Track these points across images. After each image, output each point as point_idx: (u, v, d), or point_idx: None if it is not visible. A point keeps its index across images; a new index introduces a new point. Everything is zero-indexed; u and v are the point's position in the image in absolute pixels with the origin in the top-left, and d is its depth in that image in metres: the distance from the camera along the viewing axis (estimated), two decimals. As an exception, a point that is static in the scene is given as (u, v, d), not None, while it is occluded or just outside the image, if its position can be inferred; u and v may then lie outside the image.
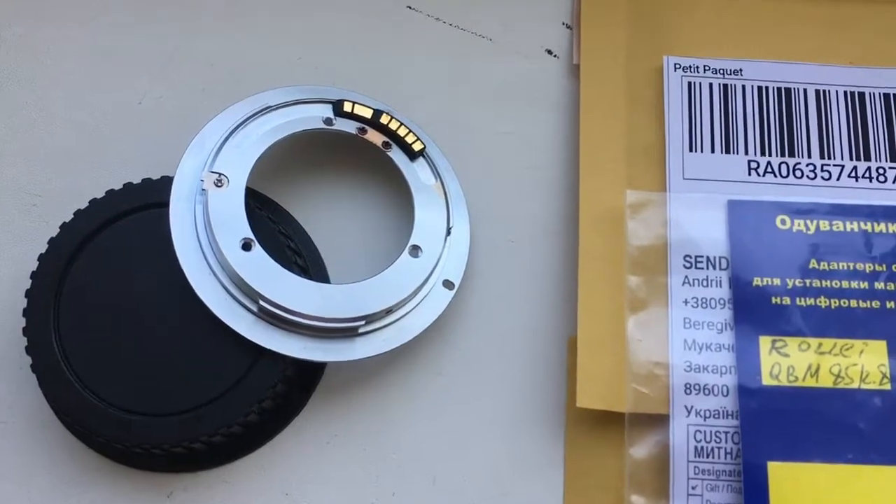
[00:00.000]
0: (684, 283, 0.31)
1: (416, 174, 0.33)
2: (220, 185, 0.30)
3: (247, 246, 0.30)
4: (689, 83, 0.35)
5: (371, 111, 0.33)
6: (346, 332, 0.30)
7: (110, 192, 0.31)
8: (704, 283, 0.31)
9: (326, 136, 0.33)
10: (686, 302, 0.31)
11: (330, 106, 0.33)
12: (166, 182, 0.31)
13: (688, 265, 0.32)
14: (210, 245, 0.30)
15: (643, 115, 0.34)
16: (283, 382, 0.30)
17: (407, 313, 0.31)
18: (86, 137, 0.36)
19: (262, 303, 0.29)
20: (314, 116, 0.33)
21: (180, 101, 0.36)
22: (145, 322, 0.30)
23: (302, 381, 0.32)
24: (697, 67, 0.35)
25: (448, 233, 0.32)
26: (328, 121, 0.33)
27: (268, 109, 0.32)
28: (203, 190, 0.30)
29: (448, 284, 0.32)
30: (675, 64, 0.35)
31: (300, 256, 0.32)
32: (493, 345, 0.33)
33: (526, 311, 0.33)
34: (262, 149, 0.32)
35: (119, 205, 0.31)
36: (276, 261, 0.30)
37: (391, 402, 0.32)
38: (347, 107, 0.33)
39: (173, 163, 0.31)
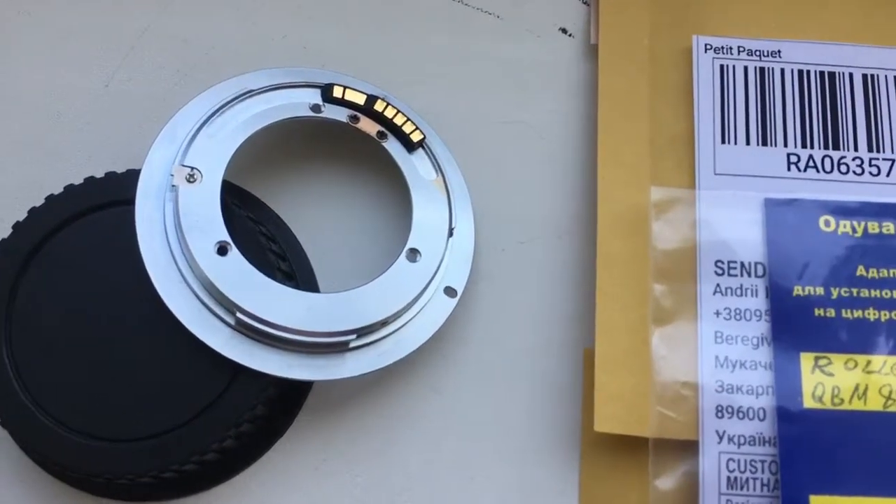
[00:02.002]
0: (715, 292, 0.29)
1: (415, 168, 0.31)
2: (192, 180, 0.28)
3: (222, 250, 0.27)
4: (722, 66, 0.32)
5: (364, 97, 0.31)
6: (335, 346, 0.28)
7: (69, 188, 0.29)
8: (738, 292, 0.29)
9: (314, 124, 0.31)
10: (717, 313, 0.29)
11: (318, 91, 0.31)
12: (132, 176, 0.29)
13: (720, 272, 0.29)
14: (181, 249, 0.27)
15: (669, 103, 0.32)
16: (263, 404, 0.28)
17: (404, 325, 0.29)
18: (44, 124, 0.33)
19: (239, 315, 0.27)
20: (300, 102, 0.31)
21: (151, 85, 0.34)
22: (108, 336, 0.27)
23: (285, 401, 0.30)
24: (730, 48, 0.32)
25: (450, 234, 0.30)
26: (316, 107, 0.31)
27: (248, 94, 0.30)
28: (173, 186, 0.28)
29: (450, 292, 0.30)
30: (706, 44, 0.33)
31: (284, 260, 0.30)
32: (500, 359, 0.31)
33: (537, 321, 0.31)
34: (242, 139, 0.29)
35: (79, 202, 0.29)
36: (255, 266, 0.28)
37: (386, 423, 0.30)
38: (338, 92, 0.31)
39: (141, 154, 0.29)
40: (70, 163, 0.32)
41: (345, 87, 0.31)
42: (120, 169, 0.29)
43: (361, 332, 0.28)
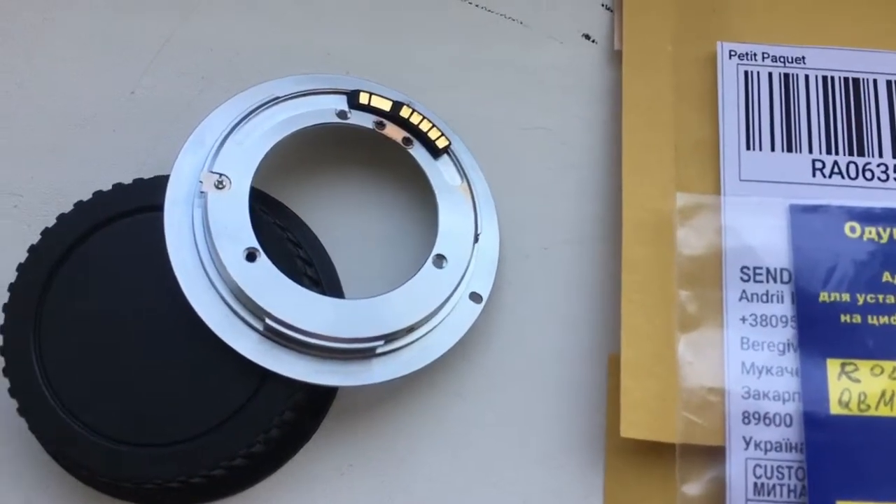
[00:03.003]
0: (741, 298, 0.29)
1: (440, 174, 0.31)
2: (220, 186, 0.28)
3: (251, 256, 0.28)
4: (746, 72, 0.32)
5: (390, 103, 0.31)
6: (362, 352, 0.28)
7: (98, 194, 0.29)
8: (764, 298, 0.29)
9: (340, 131, 0.31)
10: (744, 319, 0.29)
11: (344, 97, 0.31)
12: (160, 183, 0.29)
13: (745, 278, 0.29)
14: (210, 255, 0.28)
15: (694, 109, 0.32)
16: (291, 409, 0.28)
17: (430, 331, 0.29)
18: (71, 131, 0.33)
19: (268, 320, 0.27)
20: (326, 109, 0.31)
21: (177, 91, 0.34)
22: (137, 341, 0.27)
23: (312, 406, 0.30)
24: (755, 55, 0.32)
25: (475, 240, 0.30)
26: (342, 114, 0.31)
27: (274, 101, 0.30)
28: (202, 192, 0.28)
29: (475, 297, 0.30)
30: (731, 51, 0.33)
31: (311, 266, 0.30)
32: (525, 365, 0.31)
33: (561, 327, 0.31)
34: (269, 146, 0.29)
35: (107, 208, 0.29)
36: (283, 273, 0.28)
37: (411, 428, 0.30)
38: (364, 98, 0.31)
39: (169, 161, 0.29)
40: (97, 169, 0.32)
41: (371, 94, 0.31)
42: (147, 175, 0.30)
43: (388, 338, 0.28)
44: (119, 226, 0.29)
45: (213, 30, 0.35)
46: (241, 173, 0.29)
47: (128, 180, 0.29)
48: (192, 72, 0.34)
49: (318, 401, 0.30)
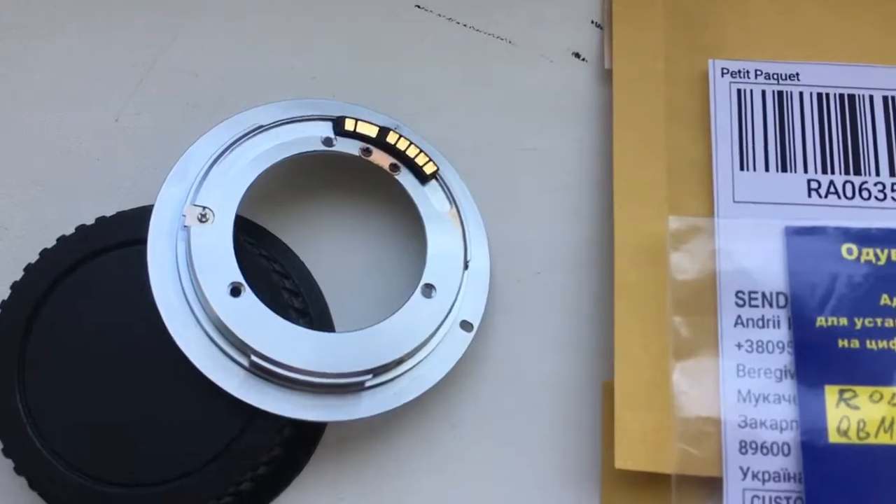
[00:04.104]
0: (737, 323, 0.29)
1: (429, 200, 0.30)
2: (204, 219, 0.28)
3: (236, 291, 0.27)
4: (739, 90, 0.32)
5: (376, 129, 0.31)
6: (351, 387, 0.27)
7: (81, 228, 0.29)
8: (760, 323, 0.28)
9: (326, 158, 0.31)
10: (739, 346, 0.28)
11: (329, 124, 0.31)
12: (144, 215, 0.28)
13: (740, 303, 0.29)
14: (194, 290, 0.27)
15: (686, 128, 0.31)
16: (280, 445, 0.27)
17: (420, 361, 0.29)
18: (55, 161, 0.33)
19: (253, 357, 0.26)
20: (312, 136, 0.30)
21: (161, 119, 0.33)
22: (122, 378, 0.27)
23: (302, 441, 0.29)
24: (748, 72, 0.32)
25: (465, 267, 0.30)
26: (328, 141, 0.30)
27: (259, 130, 0.30)
28: (185, 226, 0.28)
29: (466, 326, 0.30)
30: (723, 68, 0.32)
31: (298, 297, 0.29)
32: (518, 393, 0.30)
33: (555, 354, 0.30)
34: (253, 177, 0.29)
35: (90, 242, 0.28)
36: (269, 307, 0.27)
37: (403, 459, 0.30)
38: (349, 124, 0.30)
39: (152, 190, 0.29)
40: (81, 200, 0.32)
41: (356, 120, 0.30)
42: (132, 205, 0.29)
43: (377, 371, 0.28)
44: (103, 261, 0.28)
45: (198, 55, 0.34)
46: (225, 205, 0.28)
47: (112, 211, 0.29)
48: (176, 98, 0.34)
49: (307, 434, 0.29)
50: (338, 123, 0.30)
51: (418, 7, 0.35)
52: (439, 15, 0.35)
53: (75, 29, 0.35)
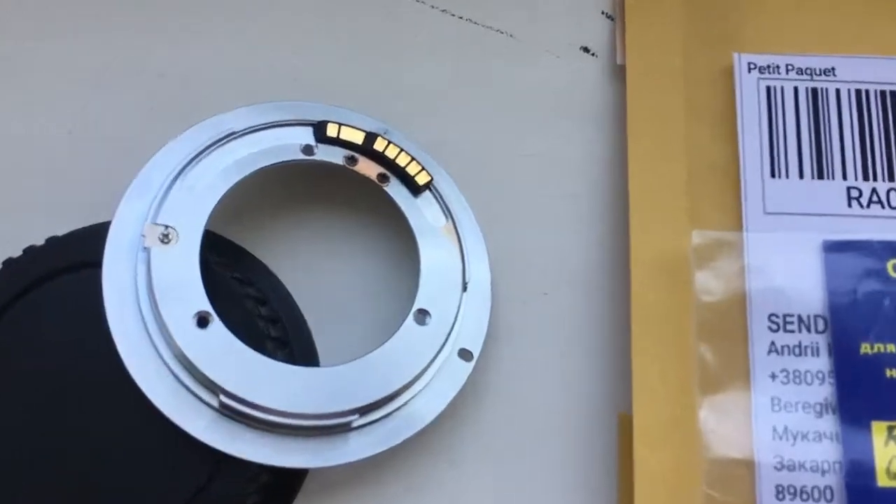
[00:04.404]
0: (770, 351, 0.26)
1: (421, 213, 0.28)
2: (167, 240, 0.25)
3: (202, 321, 0.24)
4: (768, 87, 0.29)
5: (363, 135, 0.28)
6: (335, 428, 0.25)
7: (29, 250, 0.26)
8: (796, 351, 0.26)
9: (306, 168, 0.28)
10: (773, 376, 0.26)
11: (310, 129, 0.28)
12: (99, 234, 0.26)
13: (774, 327, 0.26)
14: (155, 320, 0.24)
15: (709, 130, 0.29)
16: (257, 492, 0.25)
17: (414, 396, 0.26)
18: (1, 177, 0.30)
19: (223, 397, 0.24)
20: (290, 144, 0.28)
21: (121, 126, 0.31)
22: (77, 419, 0.25)
23: (281, 488, 0.26)
24: (777, 67, 0.29)
25: (463, 288, 0.27)
26: (308, 149, 0.28)
27: (231, 137, 0.27)
28: (145, 248, 0.25)
29: (465, 355, 0.27)
30: (749, 63, 0.29)
31: (276, 323, 0.26)
32: (524, 427, 0.28)
33: (564, 383, 0.28)
34: (223, 190, 0.26)
35: (40, 266, 0.26)
36: (242, 338, 0.25)
37: (398, 501, 0.27)
38: (332, 130, 0.28)
39: (111, 207, 0.26)
40: (30, 221, 0.28)
41: (340, 125, 0.28)
42: (87, 223, 0.26)
43: (365, 409, 0.25)
44: (53, 286, 0.26)
45: (163, 53, 0.32)
46: (191, 224, 0.25)
47: (65, 230, 0.26)
48: (139, 103, 0.31)
49: (287, 481, 0.26)
50: (319, 129, 0.28)
51: None
52: (432, 6, 0.32)
53: (21, 28, 0.32)
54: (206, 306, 0.25)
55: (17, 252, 0.26)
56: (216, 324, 0.24)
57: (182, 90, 0.31)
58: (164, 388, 0.24)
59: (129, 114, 0.31)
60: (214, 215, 0.26)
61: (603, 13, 0.32)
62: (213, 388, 0.24)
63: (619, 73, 0.31)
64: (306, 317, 0.28)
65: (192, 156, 0.26)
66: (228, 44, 0.32)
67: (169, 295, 0.24)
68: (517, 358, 0.28)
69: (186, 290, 0.25)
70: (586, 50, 0.32)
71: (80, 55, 0.32)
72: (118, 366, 0.24)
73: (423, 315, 0.26)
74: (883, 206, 0.27)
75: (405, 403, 0.26)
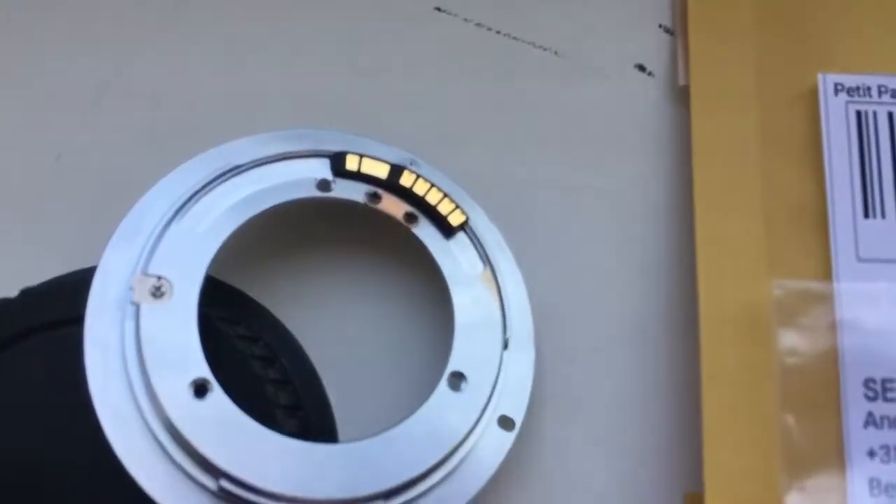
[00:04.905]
0: (867, 423, 0.23)
1: (455, 259, 0.25)
2: (159, 294, 0.22)
3: (200, 390, 0.22)
4: (859, 112, 0.26)
5: (387, 168, 0.25)
6: (356, 515, 0.22)
7: (1, 304, 0.23)
8: None
9: (323, 206, 0.26)
10: (872, 454, 0.23)
11: (326, 161, 0.25)
12: (81, 284, 0.22)
13: (872, 395, 0.23)
14: (144, 388, 0.21)
15: (788, 162, 0.26)
16: (261, 589, 0.22)
17: (447, 475, 0.23)
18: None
19: (223, 481, 0.21)
20: (304, 179, 0.25)
21: (112, 155, 0.28)
22: (53, 500, 0.22)
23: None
24: (869, 89, 0.26)
25: (504, 346, 0.25)
26: (324, 184, 0.25)
27: (234, 171, 0.24)
28: (133, 302, 0.22)
29: (506, 423, 0.24)
30: (836, 84, 0.26)
31: (288, 386, 0.23)
32: None
33: (620, 458, 0.26)
34: (226, 234, 0.24)
35: (11, 324, 0.23)
36: (246, 408, 0.22)
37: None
38: (352, 163, 0.25)
39: (98, 250, 0.23)
40: (9, 263, 0.26)
41: (361, 156, 0.25)
42: (75, 267, 0.24)
43: (391, 493, 0.22)
44: (27, 346, 0.23)
45: (160, 75, 0.29)
46: (188, 275, 0.22)
47: (44, 277, 0.24)
48: (133, 130, 0.28)
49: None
50: (337, 161, 0.25)
51: (438, 10, 0.30)
52: (465, 19, 0.30)
53: (7, 47, 0.30)
54: (205, 372, 0.22)
55: (-11, 304, 0.23)
56: (216, 392, 0.21)
57: (180, 116, 0.29)
58: (154, 469, 0.21)
59: (119, 141, 0.28)
60: (215, 265, 0.23)
61: (661, 26, 0.29)
62: (212, 469, 0.21)
63: (681, 96, 0.29)
64: (322, 378, 0.25)
65: (189, 194, 0.24)
66: (233, 64, 0.30)
67: (161, 359, 0.22)
68: (565, 427, 0.26)
69: (181, 354, 0.22)
70: (642, 68, 0.29)
71: (71, 77, 0.29)
72: (101, 442, 0.21)
73: (457, 379, 0.24)
74: None
75: (437, 484, 0.23)
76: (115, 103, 0.29)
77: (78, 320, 0.22)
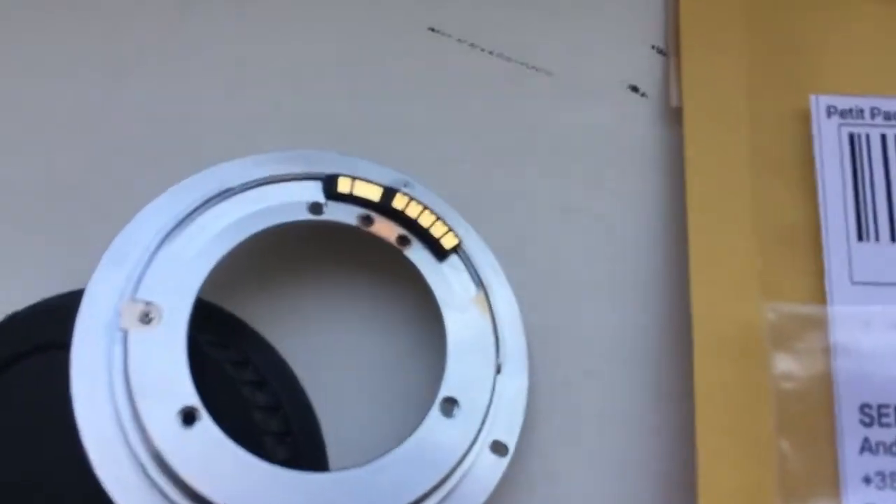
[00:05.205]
0: (863, 449, 0.23)
1: (448, 282, 0.25)
2: (147, 320, 0.22)
3: (188, 417, 0.21)
4: (852, 135, 0.26)
5: (380, 190, 0.25)
6: (346, 545, 0.21)
7: None
8: (894, 449, 0.22)
9: (314, 229, 0.25)
10: (867, 481, 0.23)
11: (318, 184, 0.25)
12: (68, 309, 0.22)
13: (867, 420, 0.23)
14: (132, 415, 0.21)
15: (781, 184, 0.26)
16: None
17: (440, 502, 0.22)
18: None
19: None
20: (295, 202, 0.25)
21: (102, 176, 0.28)
22: None
23: None
24: (861, 111, 0.26)
25: (497, 370, 0.24)
26: (316, 207, 0.25)
27: (226, 194, 0.24)
28: (122, 329, 0.21)
29: (499, 448, 0.24)
30: (829, 106, 0.26)
31: (277, 412, 0.23)
32: None
33: (614, 482, 0.25)
34: (216, 259, 0.23)
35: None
36: (235, 435, 0.21)
37: None
38: (344, 185, 0.25)
39: (86, 274, 0.22)
40: None
41: (353, 179, 0.25)
42: (61, 291, 0.23)
43: None
44: (13, 373, 0.23)
45: (153, 93, 0.29)
46: (177, 300, 0.22)
47: (29, 300, 0.23)
48: (124, 149, 0.28)
49: None
50: (329, 183, 0.25)
51: (432, 30, 0.29)
52: (459, 40, 0.29)
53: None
54: (193, 400, 0.21)
55: (-26, 330, 0.23)
56: (204, 420, 0.21)
57: (169, 137, 0.28)
58: (140, 499, 0.21)
59: (110, 161, 0.28)
60: (205, 290, 0.23)
61: (654, 47, 0.29)
62: (199, 500, 0.21)
63: (674, 117, 0.28)
64: (313, 403, 0.24)
65: (180, 217, 0.23)
66: (223, 83, 0.29)
67: (149, 387, 0.21)
68: (558, 451, 0.25)
69: (170, 382, 0.21)
70: (635, 89, 0.29)
71: (61, 94, 0.29)
72: (86, 470, 0.21)
73: (450, 405, 0.23)
74: None
75: (431, 511, 0.23)
76: (105, 121, 0.28)
77: (64, 346, 0.22)
